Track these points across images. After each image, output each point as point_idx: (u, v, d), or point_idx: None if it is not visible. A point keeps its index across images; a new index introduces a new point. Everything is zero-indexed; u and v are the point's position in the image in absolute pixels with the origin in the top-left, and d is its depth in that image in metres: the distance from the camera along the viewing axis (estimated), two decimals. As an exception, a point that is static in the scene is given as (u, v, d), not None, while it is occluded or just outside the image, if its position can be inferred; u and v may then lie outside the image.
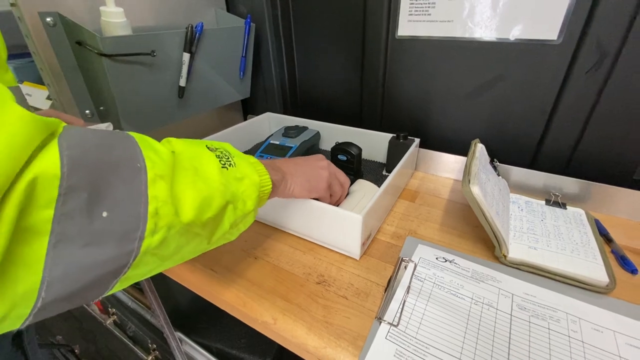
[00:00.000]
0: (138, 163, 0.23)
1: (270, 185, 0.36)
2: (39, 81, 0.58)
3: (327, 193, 0.46)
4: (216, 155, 0.31)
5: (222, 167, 0.30)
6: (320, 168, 0.45)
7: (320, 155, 0.48)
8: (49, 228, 0.18)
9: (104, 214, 0.21)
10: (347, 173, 0.58)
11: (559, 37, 0.51)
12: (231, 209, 0.31)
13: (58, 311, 0.21)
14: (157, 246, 0.24)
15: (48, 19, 0.50)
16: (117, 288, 0.24)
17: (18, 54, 0.67)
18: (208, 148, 0.32)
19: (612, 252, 0.45)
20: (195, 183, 0.27)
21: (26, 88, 0.67)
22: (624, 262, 0.43)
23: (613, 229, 0.48)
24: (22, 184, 0.17)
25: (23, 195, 0.17)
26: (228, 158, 0.32)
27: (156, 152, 0.25)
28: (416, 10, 0.59)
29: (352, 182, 0.57)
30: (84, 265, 0.20)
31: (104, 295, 0.24)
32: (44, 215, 0.18)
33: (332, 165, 0.49)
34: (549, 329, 0.35)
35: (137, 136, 0.25)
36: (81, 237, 0.20)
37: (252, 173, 0.33)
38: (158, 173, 0.24)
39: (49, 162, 0.19)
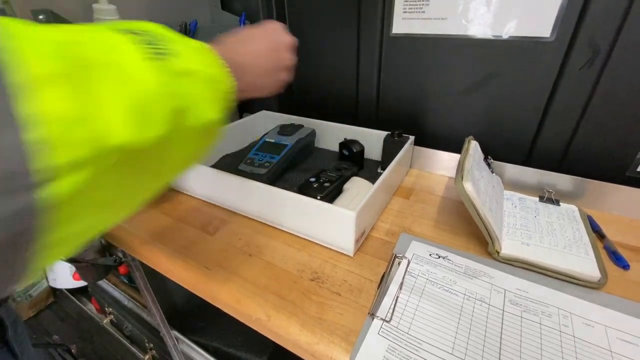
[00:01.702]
0: None
1: (230, 83, 0.27)
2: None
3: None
4: (142, 41, 0.21)
5: (154, 58, 0.21)
6: (283, 50, 0.40)
7: (273, 26, 0.41)
8: None
9: None
10: (349, 166, 0.60)
11: (552, 34, 0.51)
12: (181, 119, 0.22)
13: None
14: (77, 194, 0.16)
15: (40, 17, 0.50)
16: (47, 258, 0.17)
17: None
18: (123, 31, 0.21)
19: (605, 248, 0.45)
20: (117, 85, 0.18)
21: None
22: (616, 258, 0.43)
23: (606, 225, 0.49)
24: None
25: None
26: (160, 43, 0.22)
27: (40, 41, 0.16)
28: (410, 8, 0.59)
29: (348, 179, 0.57)
30: None
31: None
32: None
33: (288, 36, 0.42)
34: (540, 324, 0.35)
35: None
36: None
37: (201, 63, 0.25)
38: (46, 72, 0.15)
39: None
